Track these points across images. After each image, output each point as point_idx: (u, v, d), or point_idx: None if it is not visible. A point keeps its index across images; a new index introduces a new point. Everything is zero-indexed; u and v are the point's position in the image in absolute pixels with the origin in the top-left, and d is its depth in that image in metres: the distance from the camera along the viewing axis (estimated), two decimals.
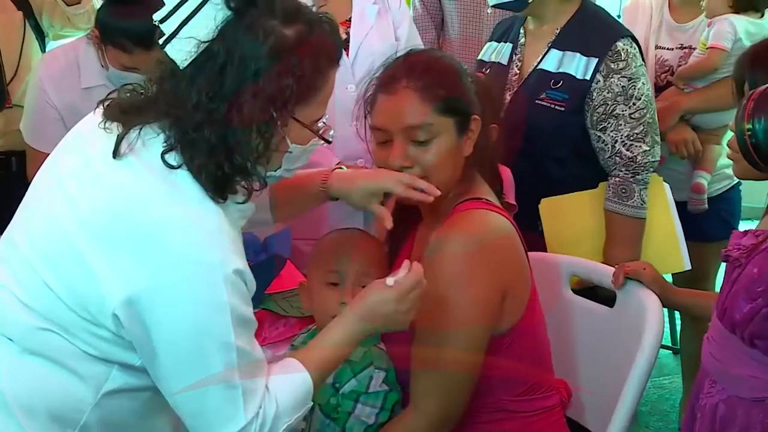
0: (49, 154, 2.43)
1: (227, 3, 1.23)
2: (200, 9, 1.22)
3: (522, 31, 2.27)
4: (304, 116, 1.31)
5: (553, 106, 2.13)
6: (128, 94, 1.33)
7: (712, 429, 1.63)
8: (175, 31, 1.22)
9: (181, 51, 1.22)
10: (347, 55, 2.28)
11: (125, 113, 1.30)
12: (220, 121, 1.23)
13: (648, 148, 2.11)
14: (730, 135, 1.61)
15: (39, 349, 1.30)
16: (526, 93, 2.17)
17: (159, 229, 1.22)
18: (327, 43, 1.30)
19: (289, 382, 1.32)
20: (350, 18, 2.41)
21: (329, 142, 1.39)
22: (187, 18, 1.22)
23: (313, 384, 1.34)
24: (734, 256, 1.59)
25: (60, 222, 1.27)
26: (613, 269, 1.86)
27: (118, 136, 1.27)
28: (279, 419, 1.30)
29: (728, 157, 1.68)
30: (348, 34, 2.37)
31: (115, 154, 1.26)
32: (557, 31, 2.19)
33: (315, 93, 1.30)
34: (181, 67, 1.23)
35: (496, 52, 2.32)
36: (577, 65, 2.12)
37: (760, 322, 1.51)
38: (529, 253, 1.67)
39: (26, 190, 2.44)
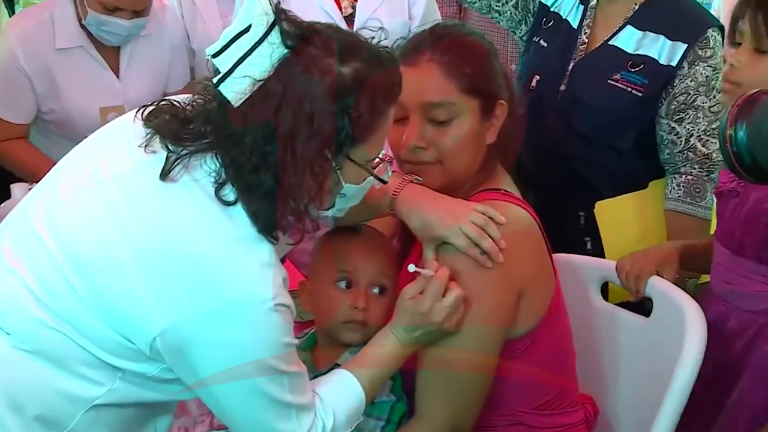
0: (12, 124, 2.33)
1: (284, 41, 1.24)
2: (256, 47, 1.23)
3: None
4: (360, 156, 1.31)
5: (629, 89, 2.03)
6: (167, 116, 1.32)
7: (723, 342, 1.70)
8: (230, 69, 1.23)
9: (236, 89, 1.23)
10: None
11: (169, 135, 1.30)
12: (276, 164, 1.24)
13: None
14: None
15: (39, 348, 1.29)
16: (594, 69, 2.07)
17: (212, 262, 1.25)
18: (385, 80, 1.31)
19: (346, 397, 1.41)
20: None
21: (385, 182, 1.39)
22: (243, 56, 1.23)
23: (365, 399, 1.42)
24: (727, 189, 1.70)
25: (104, 235, 1.27)
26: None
27: (168, 157, 1.27)
28: None
29: (722, 89, 1.72)
30: (354, 8, 2.32)
31: (165, 176, 1.27)
32: (635, 7, 2.09)
33: (372, 132, 1.30)
34: (234, 106, 1.24)
35: (562, 4, 2.18)
36: (661, 49, 2.03)
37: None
38: (554, 254, 1.61)
39: None
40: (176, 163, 1.27)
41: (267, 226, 1.27)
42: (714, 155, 2.03)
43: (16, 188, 2.11)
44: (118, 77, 2.40)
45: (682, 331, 1.63)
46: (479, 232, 1.45)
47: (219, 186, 1.26)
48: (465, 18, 2.78)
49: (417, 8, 2.39)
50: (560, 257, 1.69)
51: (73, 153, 1.40)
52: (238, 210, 1.26)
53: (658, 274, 1.76)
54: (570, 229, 2.06)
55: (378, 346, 1.45)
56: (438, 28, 1.60)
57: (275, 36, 1.23)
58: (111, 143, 1.37)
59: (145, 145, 1.30)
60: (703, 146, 2.03)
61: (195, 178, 1.27)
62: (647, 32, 2.05)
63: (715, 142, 2.01)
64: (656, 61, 2.02)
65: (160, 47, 2.44)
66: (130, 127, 1.34)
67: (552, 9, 2.18)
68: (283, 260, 2.01)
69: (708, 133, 2.02)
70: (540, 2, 2.21)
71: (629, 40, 2.06)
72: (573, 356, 1.64)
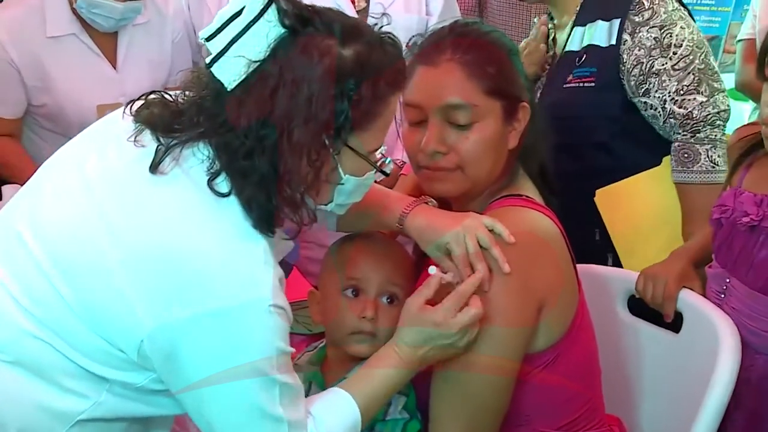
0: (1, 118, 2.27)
1: (281, 20, 1.22)
2: (252, 26, 1.21)
3: (552, 24, 2.19)
4: (360, 145, 1.29)
5: (581, 84, 2.01)
6: (158, 109, 1.30)
7: (763, 400, 1.66)
8: (223, 49, 1.21)
9: (230, 71, 1.21)
10: None
11: (159, 127, 1.28)
12: (271, 149, 1.21)
13: (705, 99, 1.95)
14: None
15: (21, 358, 1.27)
16: (552, 82, 2.08)
17: (203, 259, 1.21)
18: (388, 65, 1.29)
19: (341, 418, 1.34)
20: None
21: (387, 175, 1.37)
22: (237, 36, 1.21)
23: (361, 421, 1.36)
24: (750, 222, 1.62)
25: (90, 235, 1.24)
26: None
27: (158, 149, 1.25)
28: None
29: (766, 135, 1.62)
30: (368, 2, 2.28)
31: (155, 168, 1.24)
32: (577, 9, 2.08)
33: (373, 120, 1.28)
34: (228, 89, 1.22)
35: None
36: (601, 34, 2.00)
37: None
38: (577, 265, 1.57)
39: None
40: (166, 153, 1.24)
41: (261, 216, 1.23)
42: (695, 112, 1.94)
43: (6, 190, 2.06)
44: (114, 67, 2.34)
45: (715, 347, 1.60)
46: (478, 250, 1.41)
47: (212, 176, 1.23)
48: (485, 12, 2.75)
49: (435, 4, 2.34)
50: (584, 268, 1.66)
51: (59, 152, 1.38)
52: (232, 202, 1.23)
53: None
54: (589, 247, 1.98)
55: (378, 366, 1.40)
56: (458, 26, 1.57)
57: (272, 14, 1.21)
58: (98, 141, 1.34)
59: (134, 139, 1.27)
60: (680, 107, 1.95)
61: (186, 169, 1.24)
62: (588, 24, 2.03)
63: (692, 99, 1.94)
64: (598, 47, 2.00)
65: (160, 37, 2.39)
66: (119, 123, 1.32)
67: None
68: (291, 269, 1.99)
69: (681, 92, 1.94)
70: None
71: (577, 40, 2.05)
72: (599, 374, 1.60)
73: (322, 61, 1.21)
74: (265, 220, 1.24)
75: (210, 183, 1.23)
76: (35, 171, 1.38)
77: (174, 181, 1.24)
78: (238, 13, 1.21)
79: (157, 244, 1.21)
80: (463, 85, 1.48)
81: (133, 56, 2.35)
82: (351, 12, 2.27)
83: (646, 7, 1.97)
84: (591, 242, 2.02)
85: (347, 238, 1.61)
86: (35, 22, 2.25)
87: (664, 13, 1.97)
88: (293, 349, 1.30)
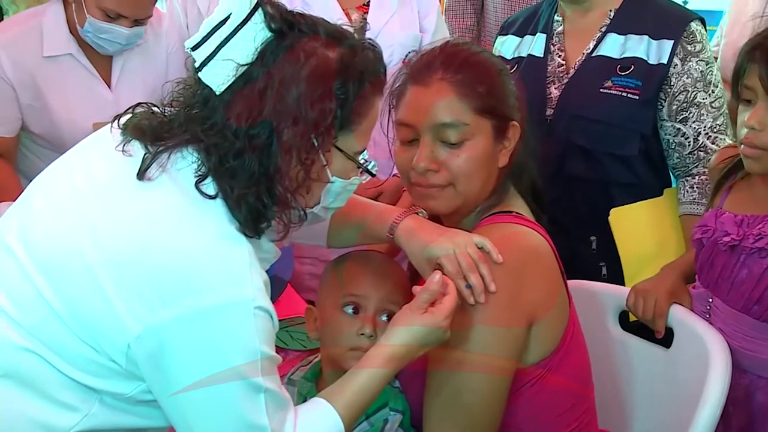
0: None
1: (268, 23, 1.25)
2: (239, 30, 1.24)
3: (559, 18, 2.15)
4: (346, 146, 1.31)
5: (624, 94, 2.01)
6: (146, 121, 1.32)
7: (750, 418, 1.64)
8: (211, 54, 1.24)
9: (218, 75, 1.24)
10: None
11: (148, 136, 1.30)
12: (260, 148, 1.23)
13: (731, 142, 1.99)
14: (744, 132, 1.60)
15: (12, 372, 1.27)
16: (584, 82, 2.05)
17: (186, 260, 1.21)
18: (371, 68, 1.32)
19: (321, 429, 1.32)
20: (368, 2, 2.35)
21: (373, 175, 1.39)
22: (224, 40, 1.24)
23: (344, 429, 1.34)
24: (753, 246, 1.61)
25: (74, 240, 1.25)
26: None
27: (145, 156, 1.27)
28: None
29: (745, 154, 1.63)
30: (365, 20, 2.30)
31: (142, 175, 1.25)
32: (611, 14, 2.09)
33: (358, 120, 1.31)
34: (217, 93, 1.24)
35: (521, 46, 2.20)
36: (647, 49, 2.02)
37: None
38: (568, 281, 1.57)
39: None
40: (153, 160, 1.26)
41: (249, 216, 1.24)
42: None
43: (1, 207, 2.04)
44: (110, 88, 2.35)
45: (706, 362, 1.60)
46: (471, 264, 1.42)
47: (200, 178, 1.25)
48: (483, 31, 2.78)
49: (429, 21, 2.37)
50: (575, 284, 1.67)
51: (50, 167, 1.39)
52: (217, 206, 1.25)
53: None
54: (583, 256, 2.02)
55: (369, 387, 1.37)
56: (449, 46, 1.58)
57: (258, 18, 1.24)
58: (87, 154, 1.36)
59: (122, 149, 1.29)
60: (713, 143, 2.01)
61: (173, 174, 1.26)
62: (629, 35, 2.04)
63: (723, 139, 2.00)
64: (645, 61, 2.01)
65: (155, 58, 2.40)
66: (107, 137, 1.34)
67: (510, 57, 2.20)
68: (285, 285, 2.00)
69: (715, 130, 2.00)
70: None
71: (613, 46, 2.05)
72: (591, 388, 1.61)
73: (309, 62, 1.25)
74: (252, 221, 1.25)
75: (197, 185, 1.24)
76: (23, 190, 1.39)
77: (159, 186, 1.25)
78: (225, 20, 1.24)
79: (140, 245, 1.22)
80: (453, 104, 1.49)
81: (128, 76, 2.35)
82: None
83: (698, 40, 2.01)
84: (587, 249, 2.05)
85: (347, 255, 1.61)
86: (33, 43, 2.25)
87: (709, 50, 2.03)
88: (279, 357, 1.30)
